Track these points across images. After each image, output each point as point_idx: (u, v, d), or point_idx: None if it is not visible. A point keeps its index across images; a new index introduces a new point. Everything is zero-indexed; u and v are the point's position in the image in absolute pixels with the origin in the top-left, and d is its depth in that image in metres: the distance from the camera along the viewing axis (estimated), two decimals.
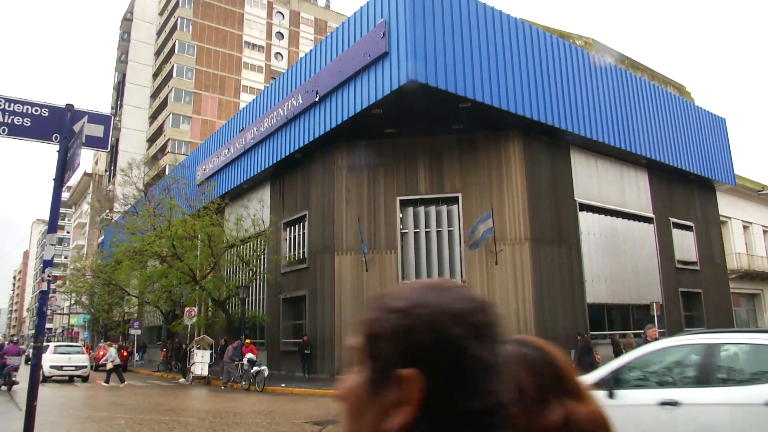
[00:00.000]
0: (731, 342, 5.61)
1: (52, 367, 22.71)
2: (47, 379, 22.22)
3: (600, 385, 5.46)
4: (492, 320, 0.83)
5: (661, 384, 5.57)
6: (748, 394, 4.84)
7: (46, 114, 6.11)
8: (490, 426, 0.79)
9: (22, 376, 16.85)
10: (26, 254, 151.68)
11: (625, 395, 5.35)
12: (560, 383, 1.26)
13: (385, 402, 0.79)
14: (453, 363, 0.78)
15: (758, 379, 4.98)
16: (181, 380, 24.76)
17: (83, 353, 25.26)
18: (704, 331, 7.03)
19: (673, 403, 5.04)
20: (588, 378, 5.59)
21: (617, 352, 19.77)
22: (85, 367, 23.91)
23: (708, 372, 5.28)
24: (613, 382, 5.55)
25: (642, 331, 14.82)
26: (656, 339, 8.73)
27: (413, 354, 0.78)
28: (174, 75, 59.17)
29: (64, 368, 23.33)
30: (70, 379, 23.63)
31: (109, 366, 21.59)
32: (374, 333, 0.82)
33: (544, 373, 1.25)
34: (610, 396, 5.32)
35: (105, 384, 21.23)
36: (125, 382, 21.42)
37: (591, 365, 14.70)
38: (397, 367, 0.78)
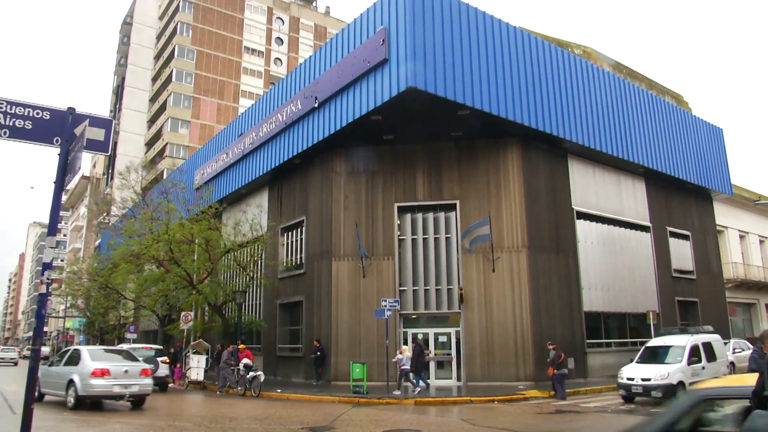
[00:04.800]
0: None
1: None
2: None
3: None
4: None
5: None
6: None
7: (48, 117, 6.13)
8: None
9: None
10: (22, 257, 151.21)
11: None
12: None
13: None
14: None
15: None
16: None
17: None
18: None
19: None
20: None
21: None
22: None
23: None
24: None
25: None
26: None
27: None
28: (173, 79, 59.22)
29: None
30: None
31: None
32: None
33: None
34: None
35: None
36: None
37: (425, 364, 19.61)
38: None
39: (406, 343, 20.64)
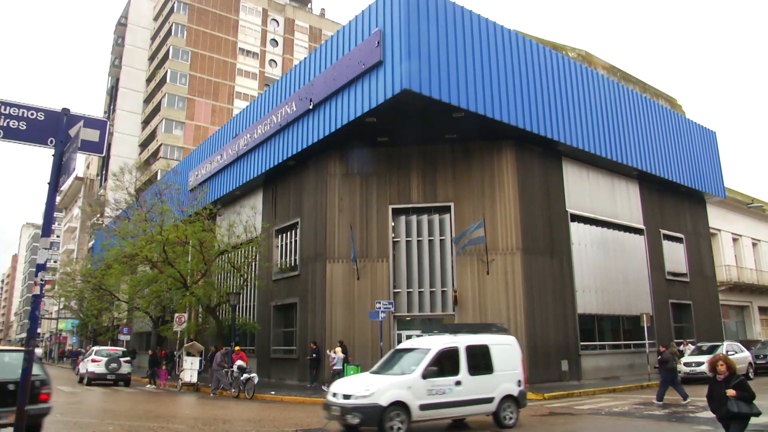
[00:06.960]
0: None
1: None
2: None
3: None
4: None
5: None
6: None
7: (42, 118, 6.11)
8: None
9: None
10: (15, 258, 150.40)
11: None
12: None
13: None
14: None
15: None
16: (147, 386, 24.63)
17: None
18: None
19: None
20: None
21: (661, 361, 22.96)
22: None
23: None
24: None
25: None
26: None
27: None
28: (168, 80, 59.08)
29: None
30: None
31: None
32: None
33: None
34: None
35: None
36: None
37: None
38: None
39: (340, 344, 20.35)
